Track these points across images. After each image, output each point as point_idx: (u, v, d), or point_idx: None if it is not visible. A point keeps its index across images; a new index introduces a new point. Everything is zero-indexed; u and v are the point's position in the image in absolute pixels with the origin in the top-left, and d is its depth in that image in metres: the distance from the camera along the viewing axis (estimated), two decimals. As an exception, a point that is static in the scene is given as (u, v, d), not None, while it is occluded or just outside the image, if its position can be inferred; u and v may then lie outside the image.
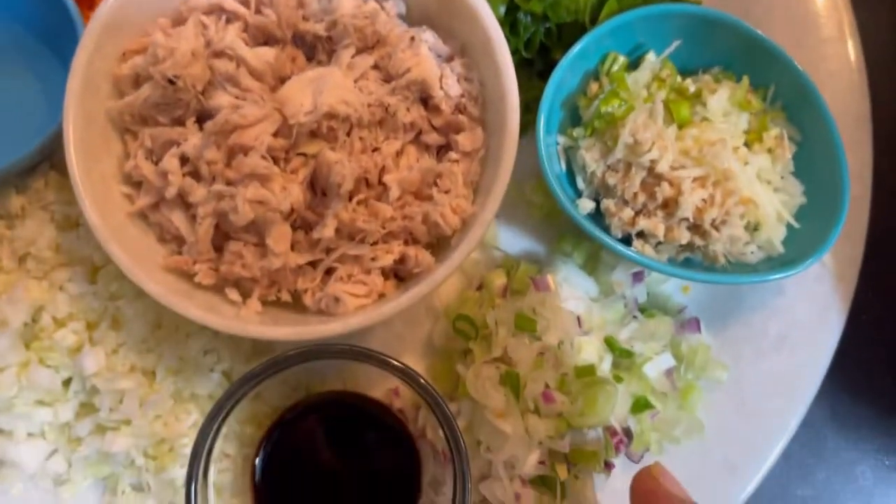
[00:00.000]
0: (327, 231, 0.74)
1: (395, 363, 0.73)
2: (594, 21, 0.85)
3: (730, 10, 0.92)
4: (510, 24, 0.87)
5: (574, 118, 0.87)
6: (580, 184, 0.85)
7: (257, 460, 0.81)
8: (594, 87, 0.85)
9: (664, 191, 0.78)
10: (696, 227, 0.80)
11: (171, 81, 0.74)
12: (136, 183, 0.78)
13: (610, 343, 0.82)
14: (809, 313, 0.89)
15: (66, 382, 0.82)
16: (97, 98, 0.76)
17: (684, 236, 0.79)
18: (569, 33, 0.87)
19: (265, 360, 0.73)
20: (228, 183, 0.74)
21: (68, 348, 0.80)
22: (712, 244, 0.80)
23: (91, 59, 0.74)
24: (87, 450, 0.81)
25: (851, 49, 0.92)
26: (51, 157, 0.87)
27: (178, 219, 0.77)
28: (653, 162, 0.78)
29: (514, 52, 0.88)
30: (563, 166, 0.86)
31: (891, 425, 0.95)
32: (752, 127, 0.83)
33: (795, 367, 0.87)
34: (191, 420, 0.82)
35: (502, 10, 0.86)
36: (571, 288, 0.85)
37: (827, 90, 0.89)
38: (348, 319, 0.73)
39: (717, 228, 0.79)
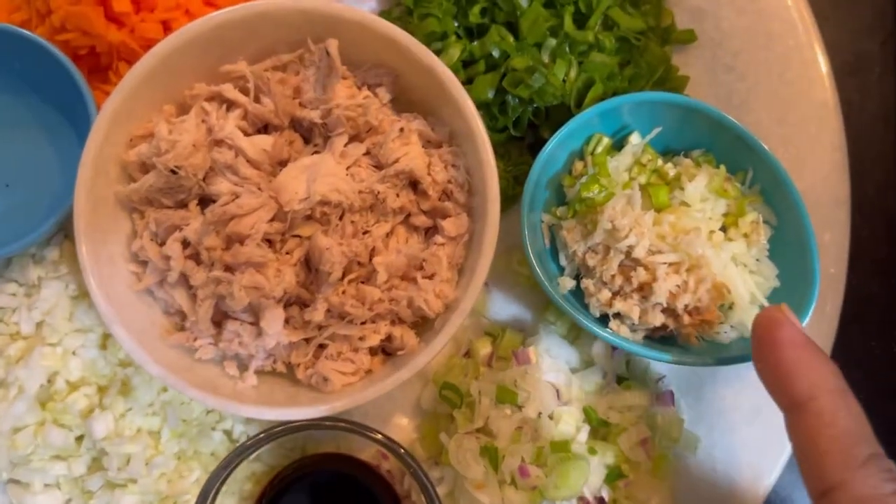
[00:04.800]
0: (317, 315, 0.79)
1: (379, 436, 0.79)
2: (580, 104, 0.88)
3: (714, 87, 0.95)
4: (499, 104, 0.89)
5: (559, 196, 0.90)
6: (562, 261, 0.89)
7: (254, 516, 0.87)
8: (579, 165, 0.88)
9: (640, 275, 0.81)
10: (670, 311, 0.83)
11: (173, 171, 0.78)
12: (143, 262, 0.83)
13: (588, 413, 0.86)
14: (782, 388, 0.91)
15: (79, 438, 0.87)
16: (106, 182, 0.80)
17: (658, 319, 0.82)
18: (556, 112, 0.90)
19: (262, 432, 0.79)
20: (227, 267, 0.79)
21: (80, 411, 0.85)
22: (684, 328, 0.83)
23: (100, 149, 0.78)
24: (98, 502, 0.87)
25: (834, 130, 0.92)
26: (65, 228, 0.91)
27: (180, 297, 0.81)
28: (630, 247, 0.81)
29: (503, 130, 0.91)
30: (548, 242, 0.90)
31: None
32: (731, 210, 0.86)
33: (766, 439, 0.90)
34: (193, 477, 0.88)
35: (491, 93, 0.88)
36: (553, 359, 0.89)
37: (808, 169, 0.92)
38: (335, 403, 0.77)
39: (689, 314, 0.82)
